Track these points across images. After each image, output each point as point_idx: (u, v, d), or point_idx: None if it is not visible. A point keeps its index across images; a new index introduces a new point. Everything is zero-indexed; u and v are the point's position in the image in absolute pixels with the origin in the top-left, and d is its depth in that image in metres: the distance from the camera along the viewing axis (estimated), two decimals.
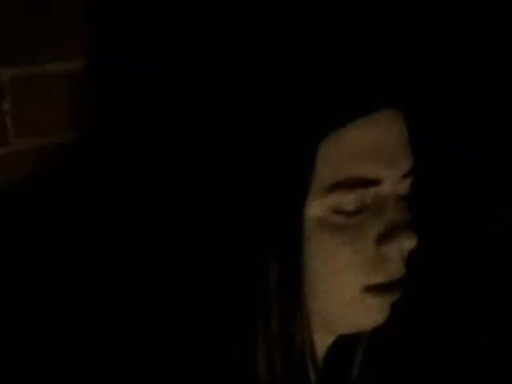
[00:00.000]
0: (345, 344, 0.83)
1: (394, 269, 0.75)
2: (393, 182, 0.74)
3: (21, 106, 0.92)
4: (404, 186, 0.76)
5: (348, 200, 0.73)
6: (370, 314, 0.76)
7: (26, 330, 0.90)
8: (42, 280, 0.93)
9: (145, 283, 0.88)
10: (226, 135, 0.76)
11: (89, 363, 0.91)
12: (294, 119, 0.72)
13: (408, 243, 0.74)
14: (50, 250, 0.95)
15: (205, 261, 0.77)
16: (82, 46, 0.96)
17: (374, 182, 0.73)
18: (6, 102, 0.91)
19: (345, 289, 0.74)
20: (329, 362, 0.83)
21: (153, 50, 0.97)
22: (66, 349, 0.91)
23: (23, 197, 0.93)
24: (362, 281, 0.74)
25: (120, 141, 0.98)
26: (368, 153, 0.72)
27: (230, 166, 0.75)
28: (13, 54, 0.91)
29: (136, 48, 0.98)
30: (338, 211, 0.73)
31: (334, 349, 0.83)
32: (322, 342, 0.81)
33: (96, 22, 0.96)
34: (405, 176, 0.75)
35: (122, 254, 0.95)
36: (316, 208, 0.73)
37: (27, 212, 0.94)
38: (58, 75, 0.95)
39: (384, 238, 0.74)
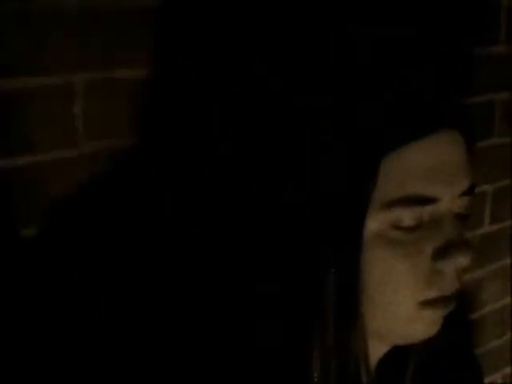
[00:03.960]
0: (398, 354, 0.85)
1: (449, 284, 0.77)
2: (450, 200, 0.76)
3: (91, 111, 0.96)
4: (461, 204, 0.78)
5: (406, 216, 0.75)
6: (423, 326, 0.78)
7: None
8: (105, 279, 0.97)
9: (205, 290, 0.91)
10: (291, 149, 0.78)
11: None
12: (359, 138, 0.74)
13: (462, 260, 0.76)
14: (115, 249, 0.98)
15: (264, 270, 0.79)
16: (150, 53, 0.99)
17: (432, 200, 0.75)
18: (76, 107, 0.95)
19: (400, 303, 0.76)
20: (382, 371, 0.85)
21: (219, 59, 1.00)
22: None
23: (90, 198, 0.97)
24: (418, 296, 0.76)
25: (185, 147, 1.01)
26: (428, 172, 0.75)
27: (294, 178, 0.77)
28: (84, 60, 0.94)
29: (202, 56, 1.00)
30: (396, 226, 0.75)
31: (387, 358, 0.85)
32: (376, 352, 0.83)
33: (164, 31, 0.99)
34: (462, 194, 0.77)
35: (183, 258, 0.98)
36: (375, 222, 0.75)
37: (96, 212, 0.97)
38: (128, 81, 0.98)
39: (440, 254, 0.76)
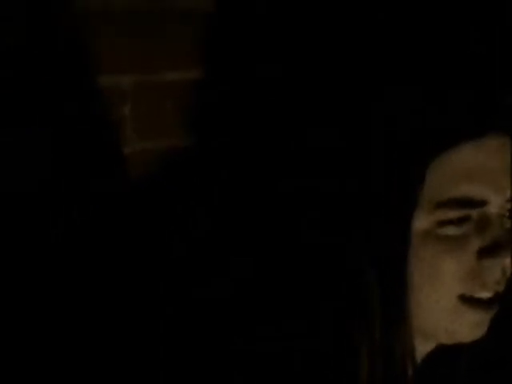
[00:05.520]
0: (445, 352, 0.85)
1: (492, 282, 0.77)
2: (499, 204, 0.77)
3: (140, 112, 0.97)
4: (509, 207, 0.78)
5: (454, 216, 0.76)
6: (466, 326, 0.78)
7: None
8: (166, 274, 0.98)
9: (252, 289, 0.91)
10: (344, 150, 0.79)
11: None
12: (409, 138, 0.75)
13: (508, 261, 0.76)
14: (168, 241, 0.99)
15: (310, 269, 0.79)
16: (198, 56, 1.00)
17: (481, 204, 0.76)
18: (126, 108, 0.96)
19: (442, 297, 0.77)
20: (429, 367, 0.85)
21: (267, 62, 1.00)
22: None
23: (138, 195, 0.98)
24: (459, 289, 0.77)
25: (231, 147, 1.02)
26: (477, 175, 0.75)
27: (345, 178, 0.78)
28: (134, 63, 0.95)
29: (250, 61, 1.01)
30: (443, 224, 0.76)
31: (434, 355, 0.85)
32: (423, 349, 0.83)
33: (212, 35, 1.00)
34: (511, 199, 0.78)
35: (230, 256, 0.98)
36: (422, 221, 0.76)
37: (140, 209, 0.98)
38: (176, 83, 0.99)
39: (486, 252, 0.76)
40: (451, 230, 0.75)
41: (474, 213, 0.76)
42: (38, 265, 0.89)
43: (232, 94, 1.02)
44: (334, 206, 0.78)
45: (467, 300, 0.77)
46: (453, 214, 0.75)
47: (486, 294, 0.77)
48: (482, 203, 0.76)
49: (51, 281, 0.89)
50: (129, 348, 0.92)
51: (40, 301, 0.90)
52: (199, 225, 1.00)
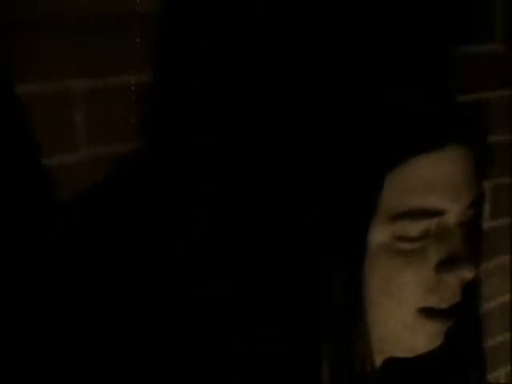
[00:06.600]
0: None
1: (450, 294, 0.78)
2: (457, 213, 0.77)
3: (91, 117, 0.94)
4: (468, 216, 0.79)
5: (412, 228, 0.75)
6: (422, 337, 0.79)
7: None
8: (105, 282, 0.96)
9: (210, 286, 0.91)
10: (301, 160, 0.78)
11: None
12: (365, 150, 0.75)
13: (467, 273, 0.76)
14: (119, 252, 0.97)
15: (270, 275, 0.79)
16: (150, 59, 0.98)
17: (437, 213, 0.76)
18: (77, 113, 0.93)
19: (401, 311, 0.77)
20: (387, 371, 0.86)
21: (217, 67, 1.00)
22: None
23: (90, 202, 0.95)
24: (418, 303, 0.77)
25: (183, 150, 1.00)
26: (434, 186, 0.75)
27: (301, 189, 0.78)
28: (84, 67, 0.93)
29: (201, 65, 1.00)
30: (401, 238, 0.76)
31: (392, 359, 0.85)
32: (380, 358, 0.84)
33: (165, 37, 0.99)
34: (469, 207, 0.78)
35: (190, 260, 0.97)
36: (380, 234, 0.76)
37: (96, 216, 0.96)
38: (127, 87, 0.97)
39: (444, 264, 0.77)
40: (409, 244, 0.75)
41: (433, 224, 0.76)
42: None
43: (180, 98, 1.00)
44: (297, 216, 0.78)
45: (424, 311, 0.77)
46: (410, 226, 0.75)
47: (443, 306, 0.78)
48: (439, 213, 0.76)
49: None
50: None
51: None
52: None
